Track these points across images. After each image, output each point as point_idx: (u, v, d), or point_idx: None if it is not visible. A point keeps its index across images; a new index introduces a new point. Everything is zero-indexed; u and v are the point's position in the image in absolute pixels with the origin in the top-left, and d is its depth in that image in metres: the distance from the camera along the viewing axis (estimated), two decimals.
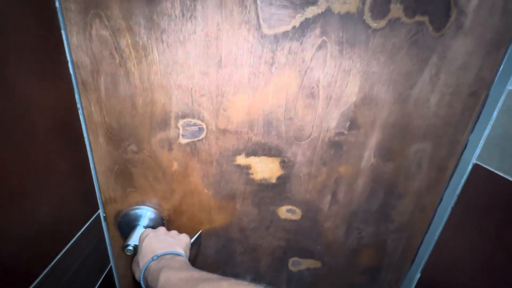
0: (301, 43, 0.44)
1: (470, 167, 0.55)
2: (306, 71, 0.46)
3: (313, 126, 0.51)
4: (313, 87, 0.47)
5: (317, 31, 0.43)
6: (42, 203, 0.40)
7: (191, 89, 0.45)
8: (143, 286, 0.42)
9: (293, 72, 0.46)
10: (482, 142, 0.52)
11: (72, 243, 0.47)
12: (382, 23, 0.43)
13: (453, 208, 0.59)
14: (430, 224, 0.63)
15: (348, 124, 0.51)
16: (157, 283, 0.36)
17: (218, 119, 0.48)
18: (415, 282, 0.69)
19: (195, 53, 0.43)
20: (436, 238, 0.62)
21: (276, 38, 0.43)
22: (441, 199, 0.61)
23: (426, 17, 0.43)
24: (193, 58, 0.43)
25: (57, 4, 0.39)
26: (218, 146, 0.50)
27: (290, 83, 0.46)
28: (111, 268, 0.61)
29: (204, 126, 0.48)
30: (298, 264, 0.67)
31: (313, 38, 0.44)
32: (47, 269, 0.42)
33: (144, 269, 0.41)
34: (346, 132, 0.52)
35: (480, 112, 0.52)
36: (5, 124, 0.33)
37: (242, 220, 0.58)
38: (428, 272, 0.65)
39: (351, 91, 0.48)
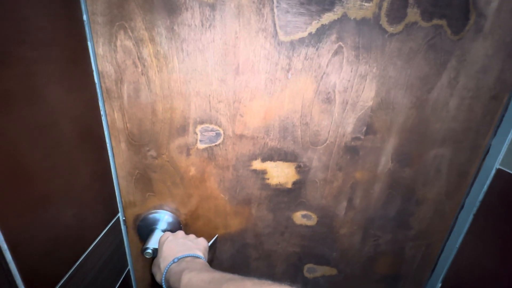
0: (317, 49, 0.44)
1: (493, 172, 0.53)
2: (322, 77, 0.46)
3: (329, 131, 0.51)
4: (329, 92, 0.47)
5: (333, 37, 0.44)
6: (67, 207, 0.42)
7: (209, 95, 0.46)
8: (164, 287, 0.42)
9: (309, 77, 0.46)
10: (505, 146, 0.51)
11: (94, 246, 0.48)
12: (399, 27, 0.43)
13: (475, 215, 0.57)
14: (451, 232, 0.62)
15: (364, 129, 0.51)
16: (179, 285, 0.37)
17: (235, 125, 0.49)
18: None
19: (214, 60, 0.44)
20: (457, 246, 0.60)
21: (293, 45, 0.44)
22: (463, 206, 0.59)
23: (444, 21, 0.43)
24: (212, 66, 0.44)
25: (84, 17, 0.41)
26: (235, 151, 0.51)
27: (306, 89, 0.47)
28: (129, 271, 0.63)
29: (221, 132, 0.49)
30: (313, 271, 0.66)
31: (329, 44, 0.44)
32: (71, 270, 0.43)
33: (165, 271, 0.42)
34: (362, 137, 0.51)
35: (503, 116, 0.51)
36: (36, 133, 0.35)
37: (257, 226, 0.59)
38: (450, 281, 0.63)
39: (368, 96, 0.48)
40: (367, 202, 0.58)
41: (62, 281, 0.41)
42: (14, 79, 0.32)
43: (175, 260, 0.42)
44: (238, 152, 0.51)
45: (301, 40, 0.43)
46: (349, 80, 0.47)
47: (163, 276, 0.42)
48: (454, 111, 0.50)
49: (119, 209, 0.56)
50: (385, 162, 0.54)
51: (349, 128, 0.51)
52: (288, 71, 0.46)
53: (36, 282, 0.36)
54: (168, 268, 0.42)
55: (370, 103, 0.49)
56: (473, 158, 0.55)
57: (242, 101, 0.47)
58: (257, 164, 0.53)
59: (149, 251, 0.50)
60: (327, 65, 0.45)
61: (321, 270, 0.66)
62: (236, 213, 0.57)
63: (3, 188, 0.31)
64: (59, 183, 0.40)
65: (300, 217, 0.58)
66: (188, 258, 0.43)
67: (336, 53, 0.45)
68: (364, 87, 0.48)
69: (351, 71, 0.46)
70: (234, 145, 0.51)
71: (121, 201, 0.55)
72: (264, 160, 0.52)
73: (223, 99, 0.47)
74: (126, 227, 0.57)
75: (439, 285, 0.65)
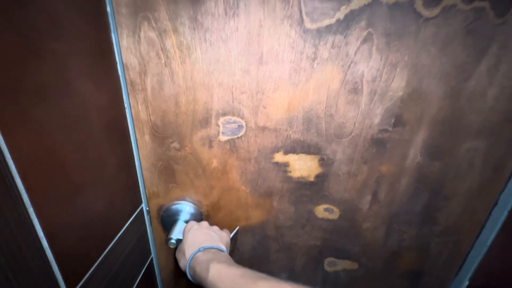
0: (345, 37, 0.42)
1: None
2: (349, 66, 0.44)
3: (355, 123, 0.49)
4: (356, 82, 0.45)
5: (363, 23, 0.41)
6: (98, 196, 0.43)
7: (232, 86, 0.46)
8: (188, 274, 0.43)
9: (336, 66, 0.44)
10: None
11: (121, 234, 0.50)
12: (435, 11, 0.40)
13: (510, 212, 0.53)
14: (482, 229, 0.59)
15: (393, 120, 0.48)
16: (207, 274, 0.37)
17: (258, 116, 0.48)
18: None
19: (237, 50, 0.43)
20: (489, 243, 0.57)
21: (319, 32, 0.42)
22: (497, 202, 0.56)
23: (486, 2, 0.40)
24: (235, 56, 0.43)
25: (108, 8, 0.41)
26: (257, 143, 0.50)
27: (332, 79, 0.45)
28: (152, 259, 0.65)
29: (244, 124, 0.49)
30: (334, 265, 0.65)
31: (358, 31, 0.42)
32: (102, 256, 0.45)
33: (190, 258, 0.42)
34: (390, 129, 0.49)
35: None
36: (69, 125, 0.36)
37: (278, 218, 0.58)
38: (478, 280, 0.61)
39: (398, 86, 0.46)
40: (392, 196, 0.56)
41: (93, 267, 0.43)
42: (49, 72, 0.32)
43: (201, 249, 0.43)
44: (260, 144, 0.51)
45: (328, 28, 0.42)
46: (378, 69, 0.45)
47: (188, 262, 0.42)
48: (492, 102, 0.47)
49: (143, 200, 0.57)
50: (413, 155, 0.52)
51: (376, 120, 0.48)
52: (313, 60, 0.44)
53: (70, 268, 0.38)
54: (194, 255, 0.43)
55: (400, 93, 0.46)
56: (510, 152, 0.51)
57: (265, 92, 0.46)
58: (279, 157, 0.52)
59: (173, 241, 0.51)
60: (355, 54, 0.43)
61: (342, 264, 0.65)
62: (257, 205, 0.57)
63: (40, 178, 0.32)
64: (90, 173, 0.41)
65: (322, 210, 0.58)
66: (214, 250, 0.43)
67: (365, 40, 0.42)
68: (394, 77, 0.45)
69: (381, 60, 0.44)
70: (256, 137, 0.50)
71: (145, 192, 0.56)
72: (286, 152, 0.51)
73: (246, 90, 0.46)
74: (150, 217, 0.58)
75: (466, 283, 0.63)
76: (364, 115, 0.48)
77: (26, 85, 0.29)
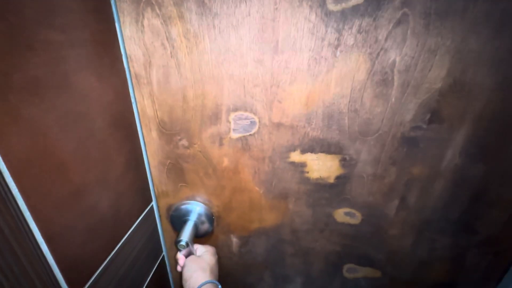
0: (374, 19, 0.36)
1: None
2: (378, 53, 0.38)
3: (382, 120, 0.43)
4: (386, 72, 0.39)
5: (397, 2, 0.35)
6: (103, 197, 0.41)
7: (244, 79, 0.41)
8: None
9: (362, 55, 0.38)
10: None
11: (130, 234, 0.48)
12: None
13: None
14: None
15: (428, 116, 0.42)
16: None
17: (272, 112, 0.43)
18: None
19: (249, 38, 0.38)
20: None
21: (344, 15, 0.36)
22: None
23: None
24: (247, 44, 0.39)
25: None
26: (271, 141, 0.46)
27: (357, 69, 0.39)
28: (163, 257, 0.63)
29: (257, 120, 0.44)
30: (354, 271, 0.60)
31: (390, 12, 0.35)
32: (109, 257, 0.43)
33: None
34: (424, 126, 0.43)
35: None
36: (68, 122, 0.34)
37: (295, 221, 0.54)
38: None
39: (436, 76, 0.39)
40: (424, 201, 0.49)
41: (100, 269, 0.41)
42: (42, 65, 0.30)
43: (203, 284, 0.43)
44: (274, 142, 0.46)
45: (355, 9, 0.36)
46: (413, 57, 0.38)
47: None
48: None
49: (153, 198, 0.55)
50: (451, 156, 0.45)
51: (408, 116, 0.42)
52: (336, 48, 0.38)
53: (74, 271, 0.36)
54: None
55: (438, 85, 0.40)
56: None
57: (281, 84, 0.41)
58: (295, 156, 0.47)
59: (183, 243, 0.49)
60: (386, 39, 0.37)
61: (363, 271, 0.60)
62: (271, 207, 0.53)
63: (37, 180, 0.30)
64: (93, 173, 0.39)
65: (342, 214, 0.53)
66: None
67: (399, 22, 0.36)
68: (432, 65, 0.38)
69: (417, 45, 0.37)
70: (271, 135, 0.45)
71: (154, 191, 0.54)
72: (304, 151, 0.46)
73: (259, 83, 0.41)
74: (160, 216, 0.56)
75: None
76: (394, 110, 0.42)
77: (16, 80, 0.27)
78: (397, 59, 0.38)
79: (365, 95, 0.41)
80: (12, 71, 0.27)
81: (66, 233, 0.35)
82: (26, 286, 0.30)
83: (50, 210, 0.32)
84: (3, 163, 0.26)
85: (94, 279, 0.40)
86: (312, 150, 0.46)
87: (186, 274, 0.46)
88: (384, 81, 0.40)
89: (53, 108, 0.31)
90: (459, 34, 0.36)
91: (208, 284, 0.43)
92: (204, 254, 0.50)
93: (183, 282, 0.46)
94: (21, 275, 0.29)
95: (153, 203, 0.56)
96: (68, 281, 0.35)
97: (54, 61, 0.31)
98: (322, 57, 0.39)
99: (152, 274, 0.58)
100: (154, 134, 0.47)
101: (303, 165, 0.48)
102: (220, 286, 0.45)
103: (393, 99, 0.41)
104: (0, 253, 0.27)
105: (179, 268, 0.50)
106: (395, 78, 0.39)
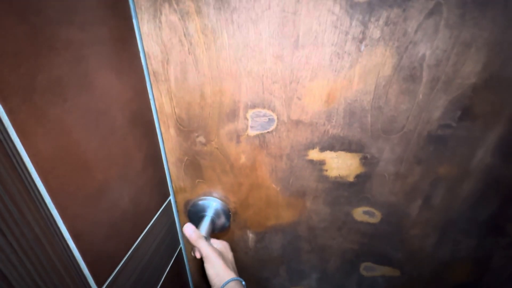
0: (404, 10, 0.34)
1: None
2: (407, 47, 0.36)
3: (408, 117, 0.41)
4: (414, 67, 0.37)
5: None
6: (124, 193, 0.42)
7: (262, 75, 0.40)
8: None
9: (389, 48, 0.36)
10: None
11: (149, 227, 0.49)
12: None
13: None
14: None
15: (459, 114, 0.39)
16: None
17: (291, 109, 0.42)
18: None
19: (269, 33, 0.37)
20: None
21: (370, 6, 0.34)
22: None
23: None
24: (266, 40, 0.37)
25: None
26: (289, 138, 0.45)
27: (383, 63, 0.37)
28: (181, 249, 0.65)
29: (275, 117, 0.43)
30: (371, 270, 0.60)
31: (422, 2, 0.33)
32: (130, 250, 0.45)
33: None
34: (454, 124, 0.40)
35: None
36: (90, 121, 0.34)
37: (312, 219, 0.53)
38: None
39: (470, 71, 0.36)
40: (450, 201, 0.47)
41: (122, 262, 0.43)
42: (64, 65, 0.30)
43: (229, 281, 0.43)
44: (293, 140, 0.45)
45: None
46: (445, 51, 0.35)
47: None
48: None
49: (170, 193, 0.56)
50: (482, 155, 0.42)
51: (436, 113, 0.40)
52: (361, 42, 0.36)
53: (98, 265, 0.38)
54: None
55: (472, 80, 0.37)
56: None
57: (301, 81, 0.40)
58: (314, 154, 0.46)
59: None
60: (415, 31, 0.35)
61: (381, 270, 0.59)
62: (288, 204, 0.52)
63: (62, 179, 0.31)
64: (115, 170, 0.40)
65: (361, 213, 0.51)
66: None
67: (431, 13, 0.33)
68: (466, 59, 0.36)
69: (450, 38, 0.35)
70: (289, 132, 0.44)
71: (172, 186, 0.54)
72: (323, 149, 0.45)
73: (278, 79, 0.40)
74: (178, 211, 0.57)
75: None
76: (421, 107, 0.40)
77: (40, 81, 0.27)
78: (427, 53, 0.36)
79: (390, 91, 0.39)
80: (36, 72, 0.27)
81: (91, 229, 0.36)
82: (56, 281, 0.31)
83: (76, 207, 0.33)
84: (31, 164, 0.27)
85: (117, 271, 0.41)
86: (331, 148, 0.45)
87: (210, 271, 0.46)
88: (412, 77, 0.37)
89: (76, 107, 0.32)
90: (500, 24, 0.33)
91: (233, 282, 0.43)
92: (223, 249, 0.51)
93: (209, 278, 0.47)
94: (52, 271, 0.30)
95: (171, 197, 0.57)
96: (93, 274, 0.37)
97: (75, 60, 0.31)
98: (345, 52, 0.37)
99: (170, 266, 0.60)
100: (172, 131, 0.47)
101: (321, 163, 0.47)
102: (244, 283, 0.45)
103: (421, 96, 0.39)
104: (32, 250, 0.28)
105: (197, 255, 0.50)
106: (424, 73, 0.37)
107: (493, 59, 0.35)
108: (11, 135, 0.25)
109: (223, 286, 0.42)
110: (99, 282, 0.38)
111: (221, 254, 0.48)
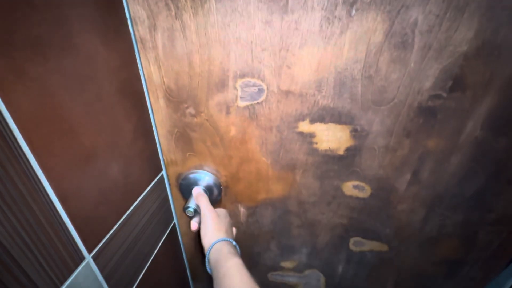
0: None
1: None
2: (399, 11, 0.35)
3: (399, 87, 0.40)
4: (406, 34, 0.36)
5: None
6: (113, 162, 0.42)
7: (251, 42, 0.39)
8: (207, 256, 0.44)
9: (381, 13, 0.35)
10: None
11: (140, 200, 0.50)
12: None
13: None
14: None
15: (450, 84, 0.39)
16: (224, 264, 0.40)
17: (281, 79, 0.42)
18: (508, 285, 0.57)
19: None
20: None
21: None
22: None
23: None
24: (254, 3, 0.36)
25: None
26: (279, 110, 0.45)
27: (374, 29, 0.36)
28: (174, 224, 0.66)
29: (265, 87, 0.43)
30: (360, 245, 0.61)
31: None
32: (122, 218, 0.45)
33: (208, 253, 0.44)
34: (445, 94, 0.40)
35: None
36: (75, 85, 0.34)
37: (302, 193, 0.54)
38: None
39: (462, 38, 0.35)
40: (438, 176, 0.47)
41: (113, 229, 0.43)
42: (44, 24, 0.29)
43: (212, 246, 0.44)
44: (283, 111, 0.45)
45: None
46: (437, 15, 0.34)
47: (210, 248, 0.44)
48: None
49: (163, 167, 0.56)
50: (471, 128, 0.42)
51: (427, 83, 0.39)
52: (352, 6, 0.35)
53: (88, 230, 0.38)
54: (215, 244, 0.44)
55: (464, 48, 0.36)
56: None
57: (290, 48, 0.39)
58: (304, 126, 0.46)
59: (191, 209, 0.50)
60: None
61: (370, 245, 0.60)
62: (278, 178, 0.53)
63: (47, 140, 0.30)
64: (103, 138, 0.40)
65: (351, 187, 0.52)
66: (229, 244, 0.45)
67: None
68: (458, 25, 0.35)
69: (443, 2, 0.34)
70: (279, 103, 0.44)
71: (163, 159, 0.54)
72: (313, 121, 0.45)
73: (267, 47, 0.39)
74: (170, 185, 0.58)
75: None
76: (412, 76, 0.39)
77: (18, 38, 0.27)
78: (420, 18, 0.35)
79: (381, 59, 0.38)
80: (14, 28, 0.26)
81: (79, 194, 0.36)
82: (46, 243, 0.32)
83: (62, 170, 0.33)
84: (12, 120, 0.27)
85: (108, 238, 0.42)
86: (321, 119, 0.45)
87: (202, 231, 0.47)
88: (403, 44, 0.37)
89: (59, 68, 0.31)
90: None
91: (220, 242, 0.44)
92: (220, 214, 0.52)
93: (201, 237, 0.48)
94: (40, 230, 0.31)
95: (163, 171, 0.57)
96: (82, 239, 0.37)
97: (56, 20, 0.31)
98: (335, 16, 0.36)
99: (164, 239, 0.61)
100: (162, 102, 0.46)
101: (311, 135, 0.46)
102: (234, 243, 0.46)
103: (412, 64, 0.38)
104: (19, 210, 0.28)
105: (193, 228, 0.52)
106: (416, 40, 0.36)
107: (485, 26, 0.34)
108: None
109: (210, 248, 0.43)
110: (89, 246, 0.39)
111: (218, 217, 0.49)
